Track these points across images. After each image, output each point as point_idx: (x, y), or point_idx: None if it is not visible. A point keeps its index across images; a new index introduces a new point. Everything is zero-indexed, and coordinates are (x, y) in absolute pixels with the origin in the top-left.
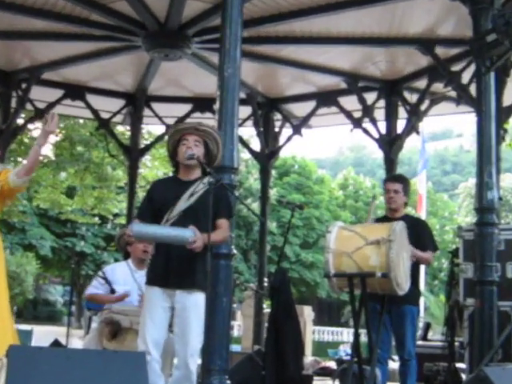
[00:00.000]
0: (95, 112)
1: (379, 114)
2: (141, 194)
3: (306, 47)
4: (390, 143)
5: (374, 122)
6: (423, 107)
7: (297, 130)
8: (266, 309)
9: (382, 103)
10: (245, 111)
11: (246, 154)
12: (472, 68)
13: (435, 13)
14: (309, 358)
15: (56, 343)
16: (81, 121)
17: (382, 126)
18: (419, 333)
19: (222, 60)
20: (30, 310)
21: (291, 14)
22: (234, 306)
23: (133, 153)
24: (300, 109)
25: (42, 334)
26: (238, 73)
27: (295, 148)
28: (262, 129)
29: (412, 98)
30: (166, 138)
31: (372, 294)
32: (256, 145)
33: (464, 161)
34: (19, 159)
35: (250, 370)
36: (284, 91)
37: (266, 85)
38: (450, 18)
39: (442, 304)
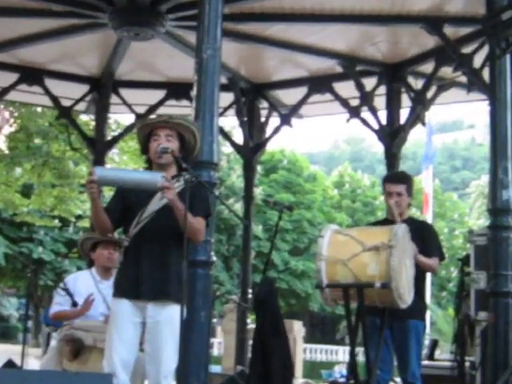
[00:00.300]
0: (55, 99)
1: (379, 101)
2: (107, 194)
3: (296, 25)
4: (392, 135)
5: (373, 110)
6: (429, 94)
7: (286, 120)
8: (251, 324)
9: (382, 90)
10: (226, 98)
11: (227, 148)
12: (485, 50)
13: None
14: (299, 380)
15: (10, 364)
16: (38, 109)
17: (383, 116)
18: (425, 351)
19: (200, 40)
20: None
21: None
22: (214, 320)
23: (98, 146)
24: (289, 96)
25: None
26: (219, 54)
27: (284, 141)
28: (245, 118)
29: (417, 83)
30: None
31: (371, 307)
32: (239, 137)
33: (476, 155)
34: None
35: None
36: (271, 76)
37: (250, 68)
38: None
39: (451, 318)
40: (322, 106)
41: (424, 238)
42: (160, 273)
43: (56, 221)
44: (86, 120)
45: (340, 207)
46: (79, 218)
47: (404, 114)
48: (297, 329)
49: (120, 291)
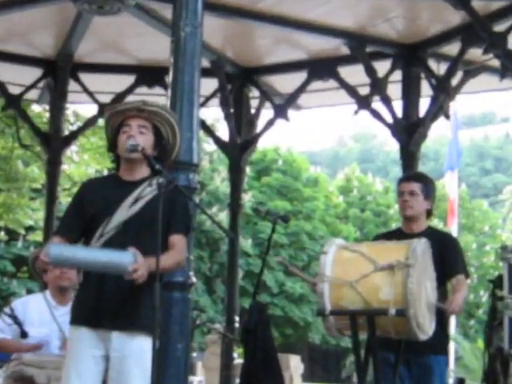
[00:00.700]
0: (1, 85)
1: (394, 90)
2: (64, 200)
3: None
4: (409, 130)
5: (386, 101)
6: (455, 81)
7: (281, 112)
8: (238, 359)
9: (397, 75)
10: (209, 85)
11: (210, 145)
12: None
13: None
14: None
15: None
16: None
17: (398, 107)
18: None
19: (177, 14)
20: None
21: None
22: (194, 355)
23: (53, 142)
24: (285, 83)
25: None
26: (200, 32)
27: (278, 137)
28: (232, 110)
29: (439, 68)
30: (101, 122)
31: (384, 338)
32: (224, 132)
33: (511, 155)
34: None
35: None
36: (263, 58)
37: (238, 49)
38: None
39: (480, 352)
40: (324, 94)
41: (444, 251)
42: (127, 296)
43: (2, 233)
44: (39, 111)
45: (346, 217)
46: (30, 229)
47: (424, 105)
48: (294, 365)
49: (78, 317)
